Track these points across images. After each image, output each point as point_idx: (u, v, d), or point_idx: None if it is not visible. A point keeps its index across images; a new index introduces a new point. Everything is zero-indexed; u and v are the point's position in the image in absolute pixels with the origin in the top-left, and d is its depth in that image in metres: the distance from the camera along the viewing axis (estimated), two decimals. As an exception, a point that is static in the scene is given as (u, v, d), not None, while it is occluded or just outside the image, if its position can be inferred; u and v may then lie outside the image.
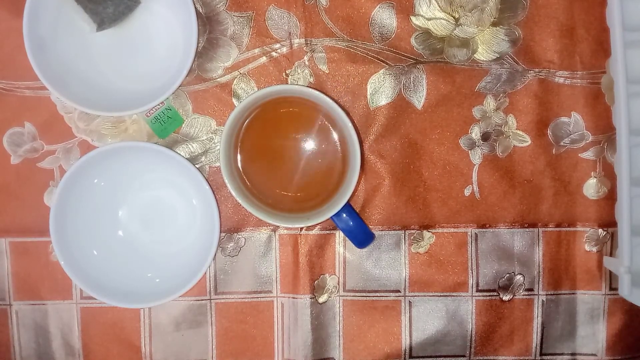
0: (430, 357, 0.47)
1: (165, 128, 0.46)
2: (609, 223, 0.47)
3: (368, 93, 0.46)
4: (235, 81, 0.46)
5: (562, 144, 0.46)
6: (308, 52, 0.45)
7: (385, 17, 0.45)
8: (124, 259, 0.46)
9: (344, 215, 0.42)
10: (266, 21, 0.45)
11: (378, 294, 0.47)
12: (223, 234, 0.46)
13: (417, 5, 0.45)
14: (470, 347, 0.47)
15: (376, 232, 0.47)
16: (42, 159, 0.46)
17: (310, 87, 0.43)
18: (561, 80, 0.46)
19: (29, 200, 0.46)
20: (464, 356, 0.47)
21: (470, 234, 0.47)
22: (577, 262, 0.47)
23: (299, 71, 0.46)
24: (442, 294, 0.47)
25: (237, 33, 0.46)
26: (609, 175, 0.46)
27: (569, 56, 0.46)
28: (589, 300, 0.47)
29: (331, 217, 0.41)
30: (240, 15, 0.45)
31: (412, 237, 0.47)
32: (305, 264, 0.46)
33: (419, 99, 0.46)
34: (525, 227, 0.47)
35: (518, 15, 0.46)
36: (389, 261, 0.47)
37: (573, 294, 0.47)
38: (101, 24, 0.44)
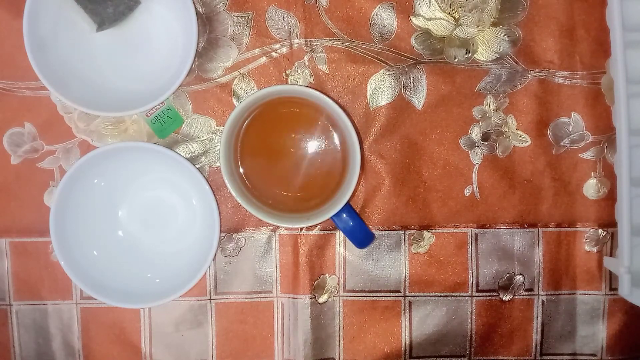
0: (430, 357, 0.47)
1: (165, 128, 0.46)
2: (609, 223, 0.47)
3: (368, 93, 0.46)
4: (235, 81, 0.46)
5: (562, 144, 0.46)
6: (308, 52, 0.46)
7: (385, 18, 0.45)
8: (124, 259, 0.46)
9: (344, 215, 0.42)
10: (266, 21, 0.45)
11: (378, 294, 0.47)
12: (223, 234, 0.46)
13: (417, 5, 0.45)
14: (470, 347, 0.47)
15: (376, 232, 0.47)
16: (42, 159, 0.46)
17: (311, 87, 0.43)
18: (561, 80, 0.46)
19: (29, 200, 0.46)
20: (464, 356, 0.47)
21: (470, 234, 0.47)
22: (577, 262, 0.47)
23: (299, 71, 0.46)
24: (442, 294, 0.47)
25: (237, 33, 0.46)
26: (609, 175, 0.46)
27: (569, 56, 0.46)
28: (589, 300, 0.47)
29: (331, 217, 0.41)
30: (240, 15, 0.45)
31: (412, 237, 0.47)
32: (305, 264, 0.46)
33: (419, 99, 0.46)
34: (525, 227, 0.47)
35: (518, 16, 0.46)
36: (389, 261, 0.47)
37: (573, 294, 0.47)
38: (101, 24, 0.44)
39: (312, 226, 0.46)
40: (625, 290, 0.41)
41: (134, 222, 0.46)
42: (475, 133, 0.46)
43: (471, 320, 0.47)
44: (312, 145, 0.43)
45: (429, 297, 0.47)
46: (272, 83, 0.46)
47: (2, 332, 0.47)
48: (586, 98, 0.46)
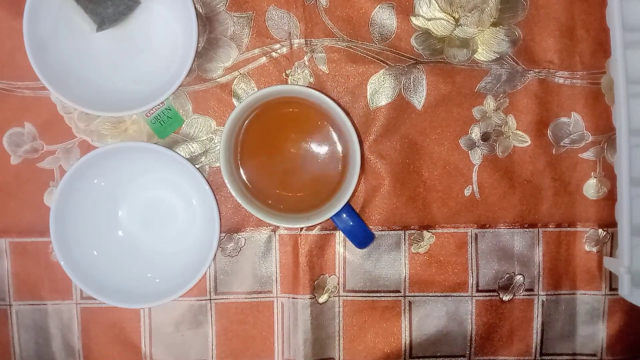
0: (430, 357, 0.47)
1: (165, 128, 0.46)
2: (609, 223, 0.47)
3: (368, 93, 0.46)
4: (235, 81, 0.46)
5: (562, 144, 0.46)
6: (308, 52, 0.46)
7: (385, 18, 0.45)
8: (124, 259, 0.46)
9: (344, 215, 0.42)
10: (266, 21, 0.45)
11: (378, 294, 0.47)
12: (223, 234, 0.46)
13: (417, 5, 0.45)
14: (470, 347, 0.47)
15: (376, 232, 0.47)
16: (42, 159, 0.46)
17: (310, 88, 0.43)
18: (561, 80, 0.46)
19: (29, 200, 0.46)
20: (463, 356, 0.47)
21: (470, 234, 0.47)
22: (577, 262, 0.47)
23: (299, 71, 0.46)
24: (442, 294, 0.47)
25: (237, 33, 0.46)
26: (609, 175, 0.46)
27: (569, 56, 0.46)
28: (589, 300, 0.47)
29: (331, 217, 0.41)
30: (240, 15, 0.45)
31: (412, 237, 0.47)
32: (305, 264, 0.46)
33: (419, 99, 0.46)
34: (525, 228, 0.47)
35: (518, 16, 0.46)
36: (389, 261, 0.47)
37: (573, 294, 0.47)
38: (101, 24, 0.44)
39: (312, 226, 0.46)
40: (625, 290, 0.41)
41: (134, 222, 0.46)
42: (475, 133, 0.46)
43: (471, 320, 0.47)
44: (312, 145, 0.43)
45: (429, 297, 0.47)
46: (272, 83, 0.46)
47: (2, 332, 0.47)
48: (586, 98, 0.46)
